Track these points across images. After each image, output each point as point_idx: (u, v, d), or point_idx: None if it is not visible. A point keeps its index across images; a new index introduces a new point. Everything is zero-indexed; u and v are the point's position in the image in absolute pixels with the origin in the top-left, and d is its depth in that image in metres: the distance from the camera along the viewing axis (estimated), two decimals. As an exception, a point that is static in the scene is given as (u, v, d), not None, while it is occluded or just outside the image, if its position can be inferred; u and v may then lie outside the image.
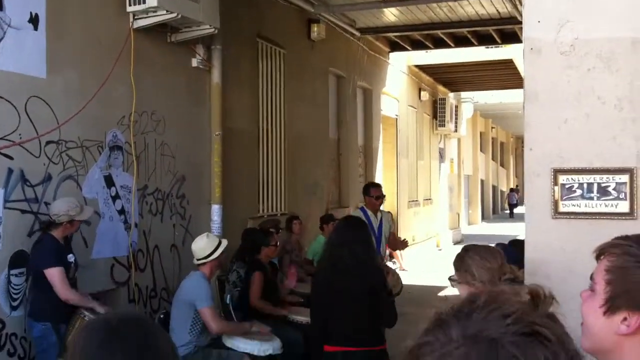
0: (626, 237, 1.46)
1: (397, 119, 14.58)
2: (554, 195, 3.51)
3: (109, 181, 5.74)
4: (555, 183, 3.51)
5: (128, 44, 5.87)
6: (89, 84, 5.46)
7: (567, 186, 3.49)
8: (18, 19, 4.81)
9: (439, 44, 12.91)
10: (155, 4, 5.67)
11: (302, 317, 5.90)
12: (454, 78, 17.44)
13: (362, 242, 4.21)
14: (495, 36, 12.08)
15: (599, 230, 3.30)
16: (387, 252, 7.06)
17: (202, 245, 5.18)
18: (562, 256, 3.45)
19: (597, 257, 1.48)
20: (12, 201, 4.74)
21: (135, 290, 6.04)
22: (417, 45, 13.23)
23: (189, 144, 6.85)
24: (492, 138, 31.85)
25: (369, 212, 6.65)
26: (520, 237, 4.44)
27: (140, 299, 6.13)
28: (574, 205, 3.48)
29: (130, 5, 5.79)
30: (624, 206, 3.41)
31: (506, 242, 5.32)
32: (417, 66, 15.75)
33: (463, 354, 0.81)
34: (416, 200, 15.99)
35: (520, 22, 4.12)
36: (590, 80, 3.48)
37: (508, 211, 33.61)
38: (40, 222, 4.87)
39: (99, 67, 5.58)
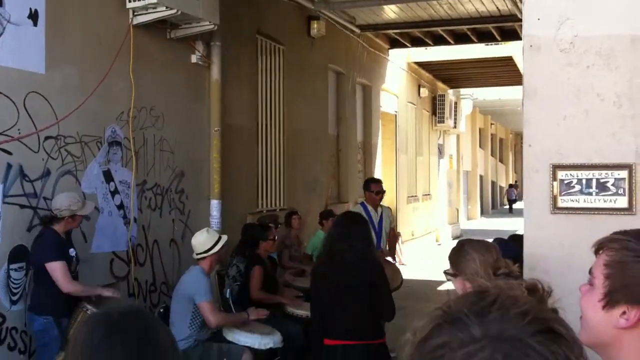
0: (625, 232, 1.47)
1: (396, 115, 14.58)
2: (552, 191, 3.53)
3: (108, 176, 5.75)
4: (554, 179, 3.52)
5: (127, 40, 5.87)
6: (88, 80, 5.46)
7: (565, 182, 3.51)
8: (17, 14, 4.81)
9: (439, 41, 12.89)
10: (155, 0, 5.68)
11: (302, 310, 5.92)
12: (454, 75, 17.43)
13: (362, 237, 4.22)
14: (495, 33, 12.08)
15: (598, 225, 3.31)
16: (387, 247, 7.03)
17: (202, 240, 5.20)
18: (561, 251, 3.46)
19: (596, 252, 1.49)
20: (11, 196, 4.74)
21: (134, 284, 6.06)
22: (417, 42, 13.22)
23: (188, 140, 6.85)
24: (491, 134, 31.89)
25: (369, 207, 6.66)
26: (520, 232, 4.44)
27: (139, 293, 6.15)
28: (573, 201, 3.49)
29: (130, 1, 5.79)
30: (622, 201, 3.42)
31: (505, 237, 5.32)
32: (416, 63, 15.75)
33: (489, 355, 0.78)
34: (415, 196, 16.01)
35: (520, 20, 4.13)
36: (590, 77, 3.49)
37: (507, 206, 33.65)
38: (39, 217, 4.88)
39: (98, 63, 5.58)
